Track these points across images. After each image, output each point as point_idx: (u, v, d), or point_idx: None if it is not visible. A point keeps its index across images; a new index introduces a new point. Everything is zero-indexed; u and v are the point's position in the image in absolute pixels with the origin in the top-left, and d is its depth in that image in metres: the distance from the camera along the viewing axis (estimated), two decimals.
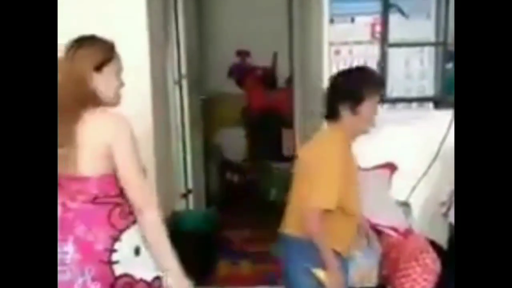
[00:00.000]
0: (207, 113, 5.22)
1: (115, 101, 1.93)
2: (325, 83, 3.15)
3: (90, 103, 1.83)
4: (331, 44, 3.13)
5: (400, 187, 3.17)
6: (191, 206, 4.21)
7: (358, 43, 3.14)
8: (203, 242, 3.67)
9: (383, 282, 2.84)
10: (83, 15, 2.83)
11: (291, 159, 5.23)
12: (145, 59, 3.04)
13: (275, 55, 5.80)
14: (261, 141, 5.70)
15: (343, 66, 3.14)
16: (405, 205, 3.17)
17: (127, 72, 2.80)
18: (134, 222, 1.90)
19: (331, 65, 3.16)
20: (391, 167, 3.16)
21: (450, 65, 3.23)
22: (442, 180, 3.16)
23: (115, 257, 1.85)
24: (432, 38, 3.15)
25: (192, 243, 3.23)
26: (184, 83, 4.10)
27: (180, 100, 4.06)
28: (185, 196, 4.13)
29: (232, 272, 3.87)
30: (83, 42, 1.89)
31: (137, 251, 1.90)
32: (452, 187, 3.05)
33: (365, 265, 2.81)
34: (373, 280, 2.84)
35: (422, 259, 2.71)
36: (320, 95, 3.21)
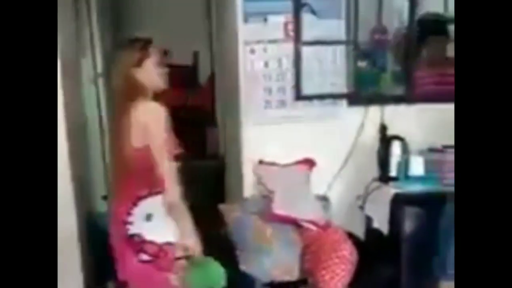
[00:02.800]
0: None
1: (160, 86, 2.33)
2: (242, 82, 3.20)
3: (138, 95, 2.23)
4: (246, 43, 3.14)
5: (318, 182, 3.24)
6: None
7: (272, 41, 3.16)
8: None
9: (305, 275, 2.88)
10: None
11: (214, 157, 5.24)
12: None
13: (195, 54, 5.77)
14: (184, 140, 5.64)
15: (258, 65, 3.19)
16: (324, 199, 3.24)
17: None
18: (154, 193, 2.26)
19: (246, 63, 3.17)
20: (310, 163, 3.22)
21: (364, 63, 3.34)
22: (358, 173, 3.27)
23: (129, 218, 2.26)
24: (343, 37, 3.21)
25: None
26: (100, 81, 4.00)
27: (96, 99, 3.96)
28: (105, 198, 4.04)
29: None
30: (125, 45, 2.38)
31: (148, 217, 2.26)
32: (367, 179, 3.19)
33: (284, 258, 2.86)
34: (295, 273, 2.88)
35: (340, 251, 2.77)
36: (238, 94, 3.25)
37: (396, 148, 3.11)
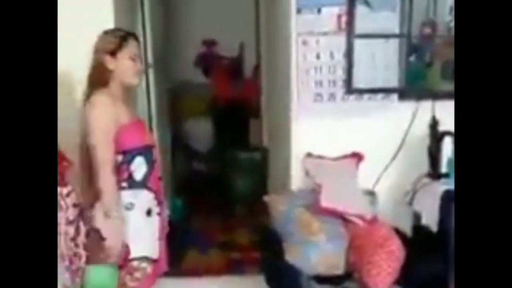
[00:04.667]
0: (174, 102, 5.20)
1: (132, 81, 2.25)
2: (294, 74, 3.20)
3: (100, 83, 2.17)
4: (298, 34, 3.14)
5: (366, 177, 3.22)
6: None
7: (325, 33, 3.15)
8: (170, 231, 3.67)
9: (351, 269, 2.87)
10: None
11: (258, 149, 5.27)
12: None
13: (241, 45, 5.79)
14: (228, 131, 5.70)
15: (310, 57, 3.18)
16: (371, 194, 3.23)
17: None
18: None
19: (298, 55, 3.17)
20: (358, 157, 3.21)
21: (413, 57, 3.29)
22: (407, 169, 3.23)
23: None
24: (396, 29, 3.18)
25: None
26: (151, 72, 4.06)
27: (146, 89, 4.02)
28: None
29: (200, 261, 3.87)
30: (102, 34, 2.26)
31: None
32: (416, 175, 3.15)
33: (331, 251, 2.86)
34: (340, 267, 2.88)
35: (388, 246, 2.75)
36: (289, 86, 3.26)
37: (447, 144, 3.06)
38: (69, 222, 2.29)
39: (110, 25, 2.93)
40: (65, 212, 2.29)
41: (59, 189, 2.25)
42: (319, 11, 3.12)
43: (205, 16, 5.62)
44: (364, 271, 2.75)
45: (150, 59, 4.03)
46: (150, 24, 3.96)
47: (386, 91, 3.25)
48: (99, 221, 2.16)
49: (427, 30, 3.27)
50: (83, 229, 2.34)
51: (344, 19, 3.14)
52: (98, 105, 2.11)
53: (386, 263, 2.72)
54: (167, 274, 3.57)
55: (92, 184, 2.17)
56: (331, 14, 3.13)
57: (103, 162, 2.11)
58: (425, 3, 3.23)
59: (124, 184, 2.19)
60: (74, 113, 2.26)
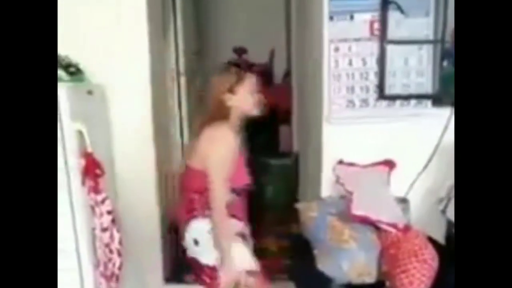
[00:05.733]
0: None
1: (252, 113, 2.43)
2: (326, 81, 3.19)
3: (221, 117, 2.30)
4: (330, 41, 3.13)
5: (398, 184, 3.18)
6: None
7: (357, 40, 3.13)
8: None
9: (383, 278, 2.84)
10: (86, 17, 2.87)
11: (288, 155, 5.26)
12: (145, 58, 3.07)
13: (272, 52, 5.80)
14: (258, 137, 5.70)
15: (342, 63, 3.17)
16: (404, 201, 3.18)
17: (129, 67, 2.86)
18: (195, 216, 2.31)
19: (330, 61, 3.16)
20: (390, 164, 3.17)
21: (445, 63, 3.25)
22: (440, 176, 3.18)
23: (184, 244, 2.40)
24: (430, 35, 3.14)
25: None
26: (182, 80, 4.10)
27: (178, 97, 4.07)
28: None
29: None
30: (218, 72, 2.48)
31: (196, 242, 2.34)
32: (450, 183, 3.09)
33: (363, 260, 2.83)
34: (373, 276, 2.85)
35: (421, 255, 2.71)
36: (321, 92, 3.25)
37: None
38: (104, 229, 2.33)
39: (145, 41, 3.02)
40: (99, 219, 2.32)
41: (93, 196, 2.28)
42: (351, 17, 3.11)
43: (236, 23, 5.65)
44: (397, 280, 2.71)
45: (181, 67, 4.07)
46: (182, 34, 4.01)
47: (419, 97, 3.22)
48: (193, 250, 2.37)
49: None
50: (116, 235, 2.39)
51: (376, 25, 3.12)
52: (223, 140, 2.26)
53: (420, 272, 2.68)
54: (194, 282, 3.61)
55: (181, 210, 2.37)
56: (364, 20, 3.11)
57: (220, 199, 2.24)
58: None
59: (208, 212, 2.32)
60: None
